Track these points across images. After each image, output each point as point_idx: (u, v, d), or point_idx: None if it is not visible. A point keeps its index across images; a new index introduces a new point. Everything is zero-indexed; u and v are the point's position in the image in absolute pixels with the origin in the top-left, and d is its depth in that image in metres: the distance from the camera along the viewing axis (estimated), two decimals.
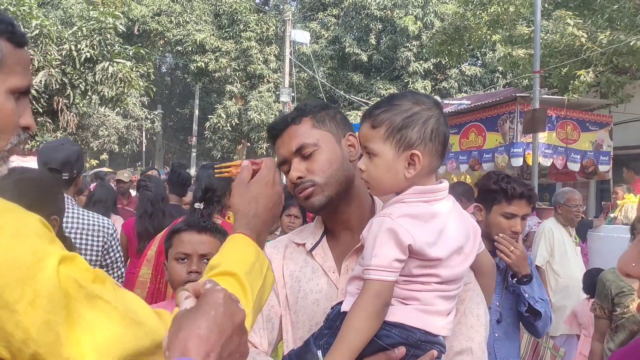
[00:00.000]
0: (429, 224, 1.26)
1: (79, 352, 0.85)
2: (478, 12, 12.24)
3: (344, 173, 1.45)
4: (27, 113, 1.07)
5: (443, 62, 20.65)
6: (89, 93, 13.10)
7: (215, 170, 1.43)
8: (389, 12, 23.77)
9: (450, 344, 1.38)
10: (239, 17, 25.66)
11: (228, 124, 25.47)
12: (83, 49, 12.17)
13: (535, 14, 8.15)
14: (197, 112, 28.67)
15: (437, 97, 19.42)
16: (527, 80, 11.20)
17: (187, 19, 26.14)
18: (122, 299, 0.93)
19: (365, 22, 24.68)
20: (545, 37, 10.25)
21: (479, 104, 10.01)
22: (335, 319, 1.30)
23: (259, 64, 25.36)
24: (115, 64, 12.60)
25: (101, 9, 13.60)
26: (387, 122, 1.29)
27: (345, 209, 1.48)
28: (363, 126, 1.35)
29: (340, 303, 1.33)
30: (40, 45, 11.79)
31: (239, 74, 25.78)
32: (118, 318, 0.90)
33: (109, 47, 12.76)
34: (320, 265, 1.50)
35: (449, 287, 1.29)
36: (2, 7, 10.43)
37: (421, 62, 23.37)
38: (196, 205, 3.23)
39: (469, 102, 11.26)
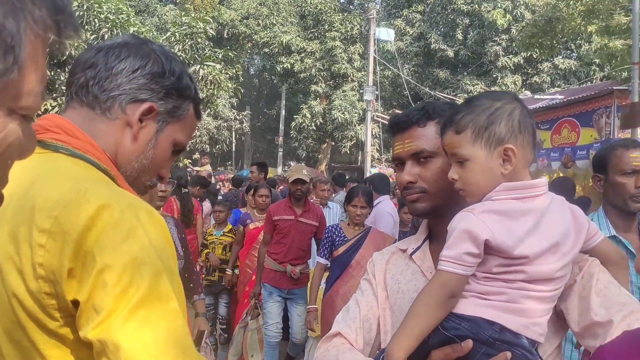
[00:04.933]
0: (517, 221, 1.22)
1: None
2: (572, 2, 11.68)
3: None
4: (168, 167, 1.27)
5: (534, 56, 19.87)
6: None
7: None
8: (476, 6, 23.15)
9: (609, 317, 1.22)
10: (323, 18, 25.91)
11: (313, 124, 25.80)
12: (176, 53, 12.75)
13: (634, 2, 7.70)
14: (283, 112, 29.26)
15: (528, 92, 18.71)
16: (625, 73, 10.57)
17: (274, 21, 26.73)
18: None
19: (452, 17, 24.19)
20: None
21: (573, 98, 9.59)
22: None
23: (343, 64, 25.49)
24: (205, 67, 13.10)
25: (193, 15, 14.21)
26: (472, 123, 1.26)
27: (449, 216, 1.41)
28: (446, 136, 1.32)
29: None
30: None
31: (323, 74, 26.04)
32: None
33: (200, 51, 13.29)
34: (419, 267, 1.50)
35: (540, 287, 1.22)
36: (102, 16, 11.13)
37: (511, 56, 22.61)
38: None
39: (562, 97, 10.80)
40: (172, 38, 13.08)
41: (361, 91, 23.06)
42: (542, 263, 1.22)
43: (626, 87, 8.17)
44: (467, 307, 1.23)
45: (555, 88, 20.56)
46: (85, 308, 0.89)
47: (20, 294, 0.91)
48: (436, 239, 1.53)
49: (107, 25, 11.19)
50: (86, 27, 10.97)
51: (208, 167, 9.40)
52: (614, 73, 12.29)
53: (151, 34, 13.37)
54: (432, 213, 1.46)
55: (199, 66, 13.00)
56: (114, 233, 0.91)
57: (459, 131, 1.28)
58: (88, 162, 1.07)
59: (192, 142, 25.15)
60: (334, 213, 7.07)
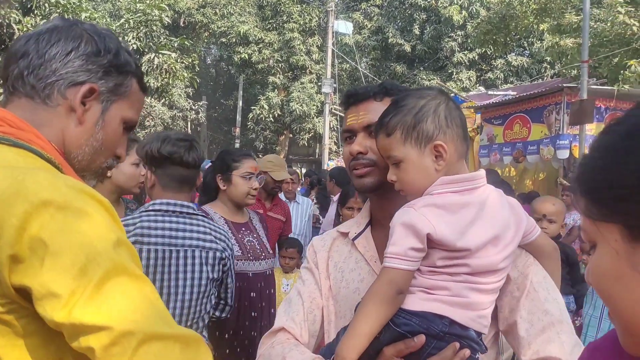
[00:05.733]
0: (457, 214, 1.23)
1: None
2: (525, 0, 11.95)
3: None
4: (123, 145, 1.26)
5: (488, 52, 20.23)
6: None
7: None
8: (433, 1, 23.42)
9: (530, 324, 1.31)
10: (282, 9, 25.72)
11: (271, 115, 25.64)
12: (130, 41, 12.47)
13: (585, 2, 7.92)
14: (240, 103, 28.95)
15: (482, 88, 19.07)
16: (575, 71, 10.90)
17: (232, 11, 26.37)
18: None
19: (409, 12, 24.38)
20: (595, 26, 9.96)
21: (524, 94, 9.82)
22: None
23: (302, 55, 25.40)
24: (160, 56, 12.87)
25: (148, 2, 13.88)
26: (400, 124, 1.29)
27: (393, 197, 1.44)
28: (379, 139, 1.34)
29: None
30: None
31: (281, 66, 25.89)
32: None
33: (155, 39, 13.04)
34: (363, 255, 1.50)
35: (483, 280, 1.25)
36: (53, 0, 10.76)
37: (466, 52, 22.96)
38: None
39: (515, 93, 11.05)
40: (126, 25, 12.80)
41: (319, 84, 23.04)
42: (484, 255, 1.24)
43: (575, 85, 8.42)
44: (416, 302, 1.24)
45: (508, 84, 21.02)
46: (43, 294, 0.88)
47: None
48: (378, 223, 1.53)
49: (58, 10, 10.85)
50: (35, 11, 10.59)
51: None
52: (564, 70, 12.65)
53: (104, 20, 13.02)
54: (379, 189, 1.45)
55: (153, 54, 12.76)
56: (61, 216, 0.91)
57: (389, 133, 1.30)
58: (31, 151, 1.05)
59: (145, 132, 24.65)
60: (303, 209, 6.14)
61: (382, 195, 1.48)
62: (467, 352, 1.22)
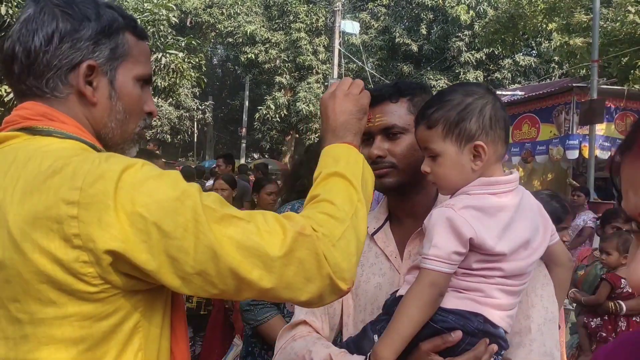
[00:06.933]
0: (495, 217, 1.23)
1: (232, 255, 0.96)
2: (534, 0, 11.88)
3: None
4: (150, 100, 1.21)
5: (496, 52, 20.19)
6: None
7: None
8: (440, 1, 23.36)
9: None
10: (289, 9, 25.73)
11: (277, 115, 25.65)
12: None
13: (594, 1, 7.86)
14: (247, 103, 28.97)
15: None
16: (584, 70, 10.84)
17: (238, 11, 26.41)
18: (250, 214, 1.03)
19: (416, 11, 24.34)
20: (605, 25, 9.88)
21: (533, 94, 9.77)
22: (393, 305, 1.29)
23: (308, 55, 25.39)
24: (168, 55, 12.87)
25: (155, 1, 13.90)
26: (442, 119, 1.27)
27: (413, 196, 1.47)
28: (419, 129, 1.32)
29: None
30: None
31: (288, 66, 25.89)
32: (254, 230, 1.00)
33: (162, 39, 13.04)
34: (382, 250, 1.50)
35: (513, 282, 1.26)
36: None
37: (473, 52, 22.90)
38: None
39: (523, 93, 11.00)
40: None
41: (326, 83, 23.05)
42: (516, 259, 1.25)
43: (585, 84, 8.35)
44: (451, 300, 1.25)
45: (516, 84, 20.95)
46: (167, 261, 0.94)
47: (49, 270, 0.92)
48: (397, 219, 1.54)
49: None
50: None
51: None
52: (573, 70, 12.58)
53: None
54: (398, 189, 1.45)
55: (161, 54, 12.76)
56: (144, 187, 0.94)
57: (430, 126, 1.29)
58: (83, 142, 1.06)
59: (152, 132, 24.71)
60: None
61: (401, 193, 1.48)
62: (495, 346, 1.24)
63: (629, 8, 9.20)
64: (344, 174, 1.17)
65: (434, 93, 1.40)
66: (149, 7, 12.93)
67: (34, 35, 1.06)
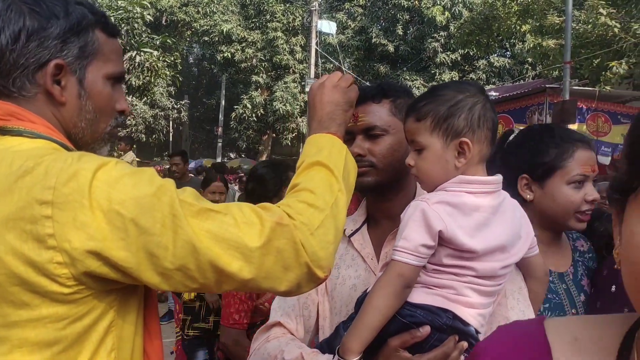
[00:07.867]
0: (468, 216, 1.23)
1: (208, 247, 0.96)
2: (508, 2, 12.04)
3: (403, 164, 1.42)
4: (122, 98, 1.19)
5: (471, 53, 20.40)
6: None
7: None
8: (416, 2, 23.50)
9: (489, 326, 1.34)
10: (265, 8, 25.63)
11: (254, 115, 25.53)
12: None
13: (567, 4, 7.99)
14: (223, 102, 28.79)
15: None
16: (557, 72, 11.00)
17: (214, 9, 26.22)
18: (226, 207, 1.03)
19: (392, 12, 24.44)
20: (577, 27, 10.03)
21: (507, 95, 9.89)
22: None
23: (285, 55, 25.33)
24: (142, 54, 12.71)
25: None
26: (432, 113, 1.28)
27: (391, 197, 1.48)
28: (408, 121, 1.33)
29: None
30: None
31: (264, 65, 25.80)
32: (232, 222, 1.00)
33: (136, 37, 12.88)
34: (359, 252, 1.51)
35: (486, 282, 1.26)
36: None
37: (449, 53, 23.09)
38: None
39: (497, 94, 11.12)
40: None
41: (303, 83, 23.00)
42: (491, 260, 1.25)
43: (557, 85, 8.49)
44: (420, 295, 1.26)
45: (490, 85, 21.19)
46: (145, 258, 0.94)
47: (22, 271, 0.91)
48: (374, 221, 1.55)
49: None
50: None
51: (131, 155, 8.28)
52: (546, 72, 12.76)
53: None
54: (377, 189, 1.47)
55: (135, 52, 12.60)
56: (120, 184, 0.94)
57: (419, 119, 1.29)
58: (54, 142, 1.05)
59: (127, 131, 24.36)
60: None
61: (380, 194, 1.48)
62: (465, 344, 1.24)
63: (601, 10, 9.35)
64: (326, 164, 1.18)
65: (414, 93, 1.42)
66: (122, 5, 12.75)
67: (0, 33, 1.03)
